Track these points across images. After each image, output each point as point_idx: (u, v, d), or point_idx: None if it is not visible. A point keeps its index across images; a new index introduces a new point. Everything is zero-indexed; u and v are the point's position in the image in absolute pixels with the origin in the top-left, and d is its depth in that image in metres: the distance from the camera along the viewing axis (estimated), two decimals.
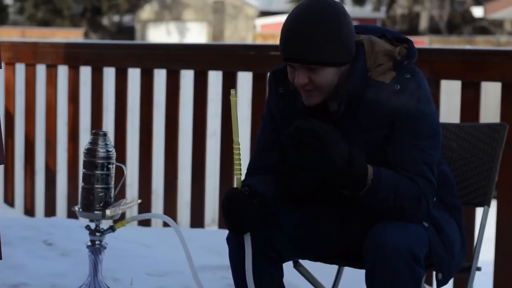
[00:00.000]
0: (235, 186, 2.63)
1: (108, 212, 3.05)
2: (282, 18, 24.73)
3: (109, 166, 3.08)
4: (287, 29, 2.60)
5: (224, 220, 2.64)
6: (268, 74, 2.85)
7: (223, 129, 4.99)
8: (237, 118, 2.60)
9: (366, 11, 27.95)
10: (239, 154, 2.61)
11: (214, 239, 4.56)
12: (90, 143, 3.08)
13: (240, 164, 2.62)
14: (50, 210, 5.88)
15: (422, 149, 2.61)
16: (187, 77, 5.61)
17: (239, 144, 2.61)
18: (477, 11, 21.25)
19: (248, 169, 2.82)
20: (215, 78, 5.54)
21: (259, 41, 21.36)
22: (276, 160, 2.76)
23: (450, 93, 5.02)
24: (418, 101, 2.62)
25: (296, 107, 2.70)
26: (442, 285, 2.67)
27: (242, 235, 2.62)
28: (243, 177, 2.68)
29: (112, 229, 3.12)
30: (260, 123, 2.87)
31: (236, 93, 2.61)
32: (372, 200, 2.57)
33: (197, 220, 5.07)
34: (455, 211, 2.78)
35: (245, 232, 2.61)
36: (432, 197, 2.63)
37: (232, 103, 2.61)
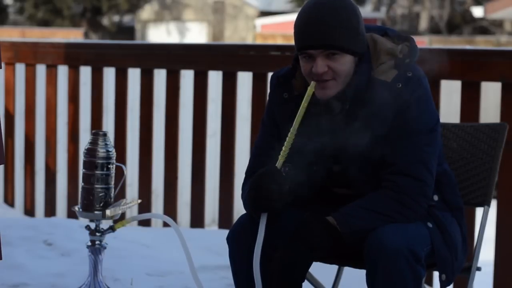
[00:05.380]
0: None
1: (108, 212, 3.06)
2: (282, 18, 24.72)
3: (109, 166, 3.08)
4: (306, 17, 2.58)
5: (251, 192, 2.61)
6: (270, 76, 2.82)
7: (223, 129, 4.98)
8: (304, 108, 2.61)
9: (366, 11, 27.94)
10: (292, 140, 2.61)
11: (214, 239, 4.55)
12: (90, 143, 3.09)
13: (288, 149, 2.61)
14: (50, 210, 5.88)
15: (419, 147, 2.61)
16: (187, 77, 5.60)
17: (295, 132, 2.61)
18: (477, 11, 21.24)
19: (246, 173, 2.81)
20: (215, 78, 5.54)
21: (259, 41, 21.31)
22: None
23: (450, 93, 5.02)
24: (418, 100, 2.62)
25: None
26: (445, 286, 2.67)
27: (262, 212, 2.60)
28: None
29: (112, 229, 3.12)
30: (259, 124, 2.85)
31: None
32: (359, 232, 2.57)
33: (197, 220, 5.06)
34: (457, 211, 2.78)
35: (266, 210, 2.60)
36: (423, 194, 2.61)
37: (308, 92, 2.60)
